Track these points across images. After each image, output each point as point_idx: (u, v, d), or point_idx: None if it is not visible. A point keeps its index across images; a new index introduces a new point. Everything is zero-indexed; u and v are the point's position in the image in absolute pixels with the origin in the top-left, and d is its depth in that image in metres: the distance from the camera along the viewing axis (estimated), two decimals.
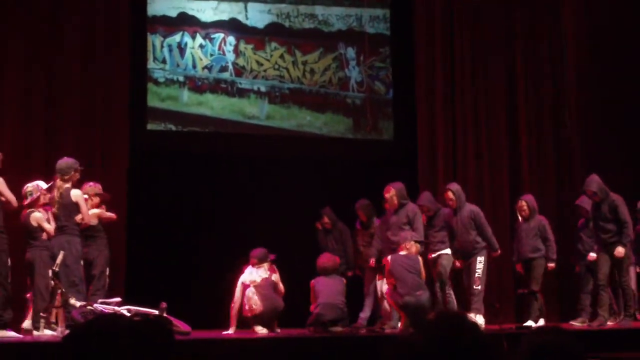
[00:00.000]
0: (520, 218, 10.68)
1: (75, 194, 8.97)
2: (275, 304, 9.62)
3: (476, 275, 10.22)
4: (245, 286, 9.65)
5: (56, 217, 9.04)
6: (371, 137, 13.10)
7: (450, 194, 10.40)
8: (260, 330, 9.47)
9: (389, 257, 9.80)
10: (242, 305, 9.65)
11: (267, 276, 9.69)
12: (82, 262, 9.09)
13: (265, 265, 9.75)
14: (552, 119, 13.27)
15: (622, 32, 13.35)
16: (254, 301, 9.52)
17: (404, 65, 13.09)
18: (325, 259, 10.10)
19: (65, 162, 9.12)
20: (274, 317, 9.66)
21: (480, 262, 10.24)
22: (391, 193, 10.36)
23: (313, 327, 9.62)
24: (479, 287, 10.20)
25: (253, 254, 9.81)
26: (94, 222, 9.64)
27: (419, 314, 9.45)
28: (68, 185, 9.02)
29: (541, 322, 10.30)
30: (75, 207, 8.94)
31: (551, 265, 10.53)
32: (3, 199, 8.68)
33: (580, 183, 12.64)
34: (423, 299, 9.56)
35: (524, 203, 10.66)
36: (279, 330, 9.67)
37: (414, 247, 9.91)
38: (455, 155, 12.84)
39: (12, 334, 8.53)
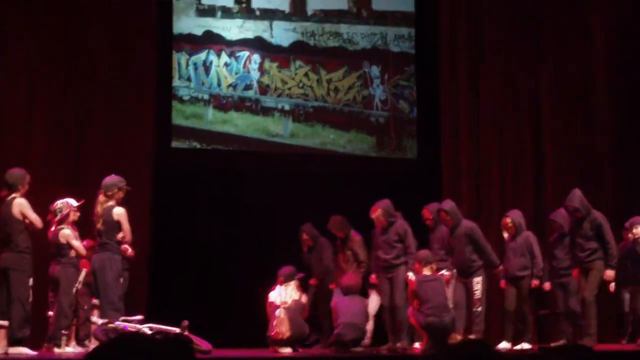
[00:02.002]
0: (506, 235, 10.50)
1: (118, 212, 8.94)
2: (301, 329, 9.59)
3: (475, 297, 10.10)
4: (274, 306, 9.60)
5: (98, 234, 9.02)
6: (395, 155, 13.08)
7: (444, 214, 10.29)
8: (284, 350, 9.42)
9: (413, 277, 9.74)
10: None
11: (297, 297, 9.64)
12: (121, 280, 9.04)
13: (293, 283, 9.71)
14: (579, 140, 13.18)
15: None
16: (285, 326, 9.44)
17: (428, 84, 13.08)
18: (348, 279, 10.05)
19: (110, 179, 9.12)
20: (298, 341, 9.62)
21: (477, 283, 10.12)
22: (377, 213, 10.24)
23: (334, 347, 9.57)
24: (479, 309, 10.11)
25: (281, 272, 9.78)
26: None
27: (441, 335, 9.39)
28: (111, 202, 8.99)
29: (526, 345, 10.13)
30: (117, 225, 8.92)
31: (535, 282, 10.26)
32: (27, 221, 8.74)
33: (606, 204, 12.58)
34: (446, 320, 9.49)
35: (509, 220, 10.42)
36: (300, 350, 9.63)
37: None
38: (479, 175, 12.80)
39: (26, 350, 8.57)
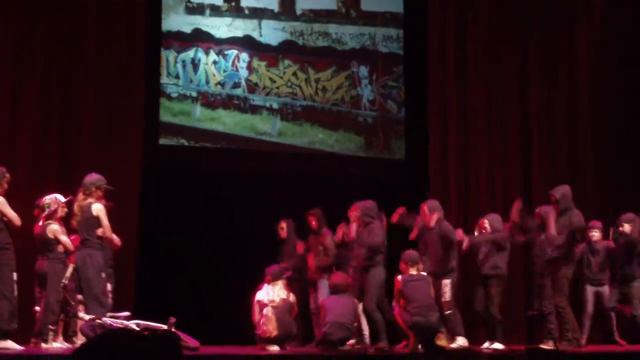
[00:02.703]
0: (476, 234, 10.47)
1: (96, 208, 8.91)
2: (289, 329, 9.57)
3: (443, 300, 10.00)
4: (262, 305, 9.59)
5: (78, 231, 9.03)
6: (383, 155, 13.11)
7: (425, 209, 10.26)
8: (272, 348, 9.42)
9: (399, 277, 9.76)
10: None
11: (285, 296, 9.63)
12: (103, 275, 9.00)
13: (281, 282, 9.71)
14: (566, 139, 13.27)
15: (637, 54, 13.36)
16: (272, 325, 9.43)
17: (416, 84, 13.12)
18: (338, 278, 10.03)
19: (89, 178, 9.10)
20: (286, 340, 9.63)
21: (446, 286, 10.02)
22: (355, 213, 10.28)
23: (322, 345, 9.59)
24: (451, 311, 10.02)
25: (268, 271, 9.78)
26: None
27: (428, 334, 9.42)
28: (90, 199, 8.99)
29: (499, 345, 10.12)
30: (96, 221, 8.90)
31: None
32: (6, 218, 8.73)
33: (594, 207, 12.65)
34: (432, 319, 9.51)
35: (486, 222, 10.44)
36: (288, 348, 9.64)
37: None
38: (467, 175, 12.84)
39: (12, 344, 8.57)
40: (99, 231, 8.90)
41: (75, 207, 9.01)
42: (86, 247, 8.88)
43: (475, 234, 10.52)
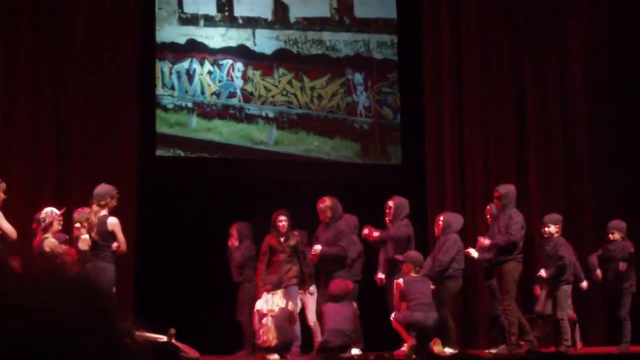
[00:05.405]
0: (436, 232, 10.46)
1: (112, 222, 8.89)
2: (289, 337, 9.58)
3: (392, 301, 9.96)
4: (261, 314, 9.59)
5: (92, 243, 8.96)
6: (379, 162, 13.12)
7: (390, 203, 10.28)
8: (272, 357, 9.42)
9: (401, 280, 9.75)
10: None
11: (284, 305, 9.63)
12: (114, 290, 8.93)
13: (280, 291, 9.71)
14: (561, 145, 13.26)
15: (629, 49, 13.35)
16: (271, 334, 9.43)
17: (411, 90, 13.12)
18: (336, 285, 10.02)
19: (102, 188, 9.07)
20: (286, 349, 9.63)
21: (394, 287, 9.96)
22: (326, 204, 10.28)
23: (321, 353, 9.58)
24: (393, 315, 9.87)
25: (267, 280, 9.78)
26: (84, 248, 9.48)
27: (424, 335, 9.44)
28: (104, 212, 8.94)
29: (450, 350, 9.95)
30: (111, 235, 8.88)
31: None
32: (0, 231, 8.69)
33: (589, 206, 12.66)
34: (431, 320, 9.53)
35: (441, 218, 10.42)
36: (289, 357, 9.64)
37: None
38: (464, 180, 12.84)
39: None
40: (114, 245, 8.86)
41: (94, 219, 8.93)
42: (99, 259, 8.81)
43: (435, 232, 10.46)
